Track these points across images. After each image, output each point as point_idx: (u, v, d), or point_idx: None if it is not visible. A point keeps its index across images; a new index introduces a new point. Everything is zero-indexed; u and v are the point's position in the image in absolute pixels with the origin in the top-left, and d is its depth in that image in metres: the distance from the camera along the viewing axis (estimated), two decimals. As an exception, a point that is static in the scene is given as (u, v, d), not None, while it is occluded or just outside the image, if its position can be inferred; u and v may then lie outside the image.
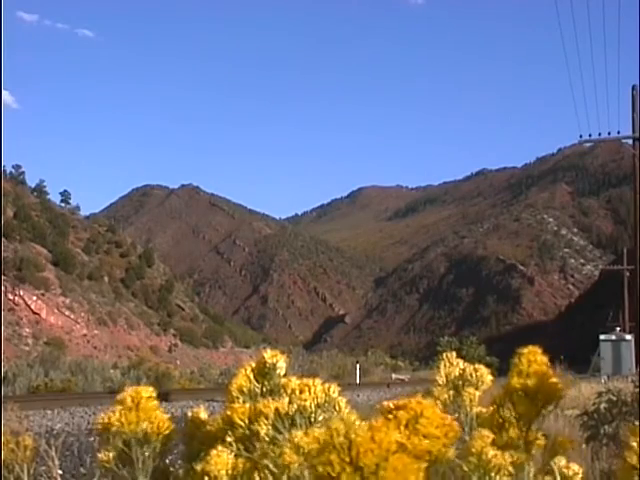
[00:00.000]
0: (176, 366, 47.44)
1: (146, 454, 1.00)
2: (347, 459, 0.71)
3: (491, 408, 1.06)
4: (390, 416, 0.81)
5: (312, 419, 0.93)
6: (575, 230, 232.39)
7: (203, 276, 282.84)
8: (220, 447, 0.96)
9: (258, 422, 0.93)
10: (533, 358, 1.02)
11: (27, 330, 64.44)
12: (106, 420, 1.00)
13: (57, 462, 1.42)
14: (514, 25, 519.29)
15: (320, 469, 0.72)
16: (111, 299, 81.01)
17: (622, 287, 47.02)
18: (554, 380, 1.00)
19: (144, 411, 1.00)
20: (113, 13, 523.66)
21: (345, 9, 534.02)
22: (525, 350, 1.02)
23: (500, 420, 1.02)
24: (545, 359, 1.02)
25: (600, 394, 5.34)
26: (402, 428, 0.78)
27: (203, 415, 1.08)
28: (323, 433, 0.77)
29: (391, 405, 0.83)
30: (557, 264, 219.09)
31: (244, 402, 1.00)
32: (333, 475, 0.71)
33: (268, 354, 1.05)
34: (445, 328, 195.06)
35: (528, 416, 1.00)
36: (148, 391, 1.05)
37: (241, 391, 1.02)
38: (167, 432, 1.03)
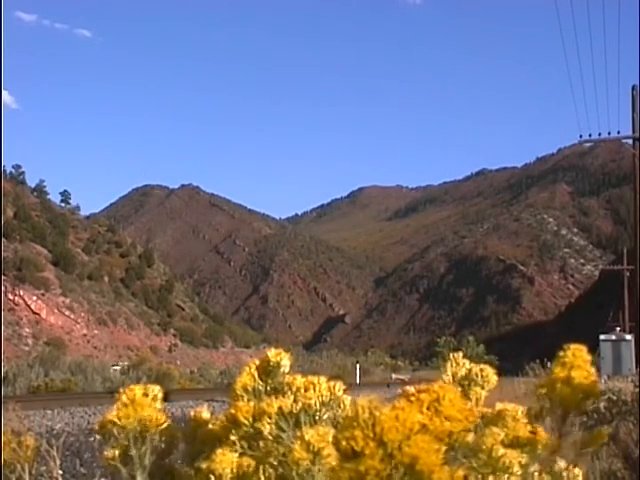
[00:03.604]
0: (176, 366, 47.43)
1: (143, 450, 1.01)
2: (371, 435, 0.72)
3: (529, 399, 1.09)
4: (413, 398, 0.82)
5: (317, 417, 0.93)
6: (575, 230, 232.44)
7: (203, 276, 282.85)
8: (224, 446, 0.96)
9: (261, 421, 0.93)
10: (579, 353, 1.05)
11: (27, 330, 64.46)
12: (104, 418, 1.01)
13: (58, 462, 1.43)
14: (514, 25, 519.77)
15: (344, 443, 0.73)
16: (111, 299, 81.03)
17: (622, 287, 46.99)
18: (594, 378, 1.04)
19: (140, 407, 1.01)
20: (111, 13, 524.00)
21: (344, 9, 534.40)
22: (572, 345, 1.06)
23: (538, 410, 1.03)
24: (588, 357, 1.06)
25: (600, 394, 5.35)
26: (424, 410, 0.80)
27: (205, 414, 1.08)
28: (345, 415, 0.80)
29: (414, 389, 0.84)
30: (557, 264, 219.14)
31: (248, 400, 1.00)
32: (357, 449, 0.72)
33: (272, 352, 1.05)
34: (445, 328, 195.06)
35: (568, 404, 1.02)
36: (145, 389, 1.05)
37: (245, 389, 1.03)
38: (164, 428, 1.03)
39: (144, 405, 1.02)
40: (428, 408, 0.80)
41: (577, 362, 1.05)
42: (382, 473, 0.71)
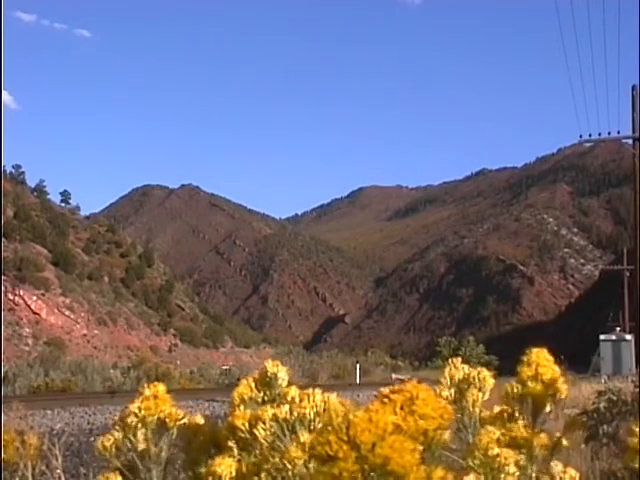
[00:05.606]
0: (176, 366, 47.45)
1: (161, 444, 1.02)
2: (345, 438, 0.72)
3: (500, 404, 1.10)
4: (386, 400, 0.82)
5: (312, 427, 0.94)
6: (575, 230, 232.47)
7: (203, 276, 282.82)
8: (222, 452, 0.99)
9: (257, 427, 0.94)
10: (542, 354, 1.09)
11: (27, 330, 64.46)
12: (127, 409, 1.03)
13: (60, 460, 1.43)
14: (514, 25, 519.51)
15: (318, 449, 0.73)
16: (111, 299, 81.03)
17: (622, 287, 47.05)
18: (559, 374, 1.08)
19: (162, 400, 1.05)
20: (111, 13, 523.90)
21: (343, 10, 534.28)
22: (534, 348, 1.11)
23: (509, 412, 1.05)
24: (551, 357, 1.11)
25: (600, 394, 5.36)
26: (398, 410, 0.79)
27: (200, 421, 1.10)
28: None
29: (387, 390, 0.84)
30: (557, 264, 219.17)
31: (245, 409, 1.02)
32: (331, 454, 0.72)
33: (269, 364, 1.07)
34: (445, 328, 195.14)
35: (539, 400, 1.03)
36: (162, 386, 1.10)
37: (242, 399, 1.05)
38: (183, 421, 1.06)
39: (166, 400, 1.05)
40: (402, 408, 0.79)
41: (541, 361, 1.08)
42: (356, 474, 0.71)
